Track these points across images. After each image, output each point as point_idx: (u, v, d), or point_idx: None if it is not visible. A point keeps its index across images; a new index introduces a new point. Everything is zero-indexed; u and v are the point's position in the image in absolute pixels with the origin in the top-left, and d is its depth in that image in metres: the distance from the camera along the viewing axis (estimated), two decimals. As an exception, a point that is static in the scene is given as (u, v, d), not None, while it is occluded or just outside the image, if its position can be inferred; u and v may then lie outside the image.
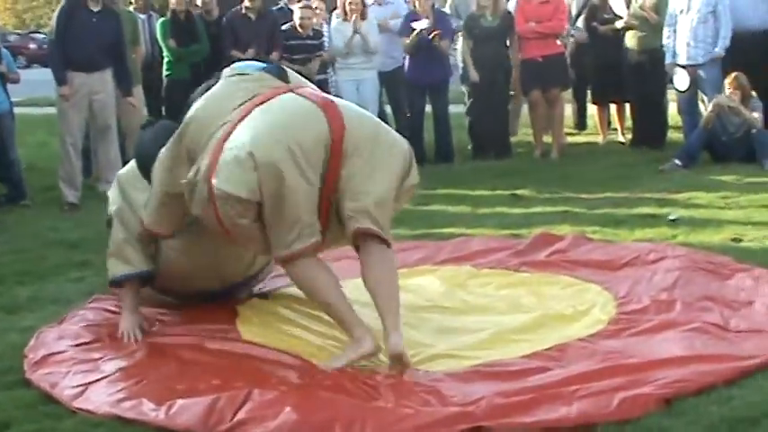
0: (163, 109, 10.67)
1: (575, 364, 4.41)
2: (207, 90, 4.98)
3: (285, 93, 4.78)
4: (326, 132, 4.55)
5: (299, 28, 10.36)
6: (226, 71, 5.02)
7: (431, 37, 10.40)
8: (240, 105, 4.71)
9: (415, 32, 10.43)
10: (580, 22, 11.50)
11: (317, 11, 10.98)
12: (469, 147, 11.23)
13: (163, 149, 4.92)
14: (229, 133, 4.59)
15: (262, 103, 4.69)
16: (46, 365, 4.71)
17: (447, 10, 11.69)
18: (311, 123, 4.57)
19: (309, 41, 10.36)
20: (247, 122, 4.60)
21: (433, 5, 10.90)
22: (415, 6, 10.73)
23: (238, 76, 4.92)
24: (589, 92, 11.86)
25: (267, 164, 4.42)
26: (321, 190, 4.56)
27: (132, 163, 5.46)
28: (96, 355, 4.83)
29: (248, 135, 4.52)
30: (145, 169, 5.14)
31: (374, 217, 4.56)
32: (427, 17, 10.54)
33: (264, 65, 5.09)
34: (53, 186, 9.70)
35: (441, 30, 10.49)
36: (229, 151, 4.51)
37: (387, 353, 4.49)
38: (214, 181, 4.52)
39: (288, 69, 5.12)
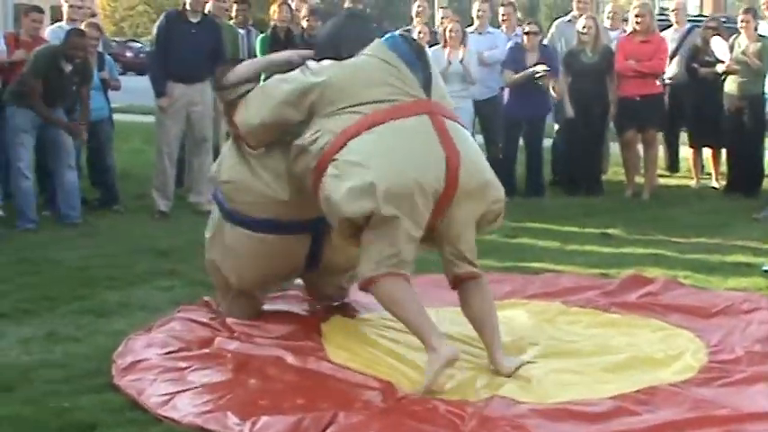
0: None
1: (664, 409, 4.34)
2: (345, 26, 5.19)
3: (422, 114, 4.83)
4: (441, 184, 4.71)
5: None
6: (376, 43, 5.03)
7: (538, 76, 10.36)
8: (376, 103, 4.80)
9: (528, 72, 10.38)
10: (675, 64, 11.34)
11: (421, 35, 11.01)
12: (551, 178, 11.20)
13: (285, 83, 5.04)
14: (357, 133, 4.74)
15: (397, 118, 4.77)
16: (134, 372, 4.78)
17: (545, 42, 11.62)
18: (433, 170, 4.70)
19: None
20: (379, 138, 4.73)
21: (541, 41, 10.84)
22: (523, 41, 10.66)
23: (385, 64, 4.91)
24: (685, 134, 11.70)
25: (385, 199, 4.60)
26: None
27: None
28: (183, 365, 4.87)
29: (376, 159, 4.66)
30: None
31: (470, 259, 4.93)
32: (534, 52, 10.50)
33: (416, 56, 5.03)
34: (145, 194, 9.84)
35: (549, 68, 10.43)
36: (351, 162, 4.69)
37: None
38: (327, 180, 4.75)
39: (433, 74, 5.07)
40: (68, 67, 8.70)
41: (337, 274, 5.74)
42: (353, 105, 4.80)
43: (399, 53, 4.95)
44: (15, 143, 8.72)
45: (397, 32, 5.30)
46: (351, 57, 5.00)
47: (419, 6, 11.72)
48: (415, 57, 5.00)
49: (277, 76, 5.19)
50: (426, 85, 4.93)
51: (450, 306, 5.78)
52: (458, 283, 4.99)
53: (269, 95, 5.09)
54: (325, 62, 5.02)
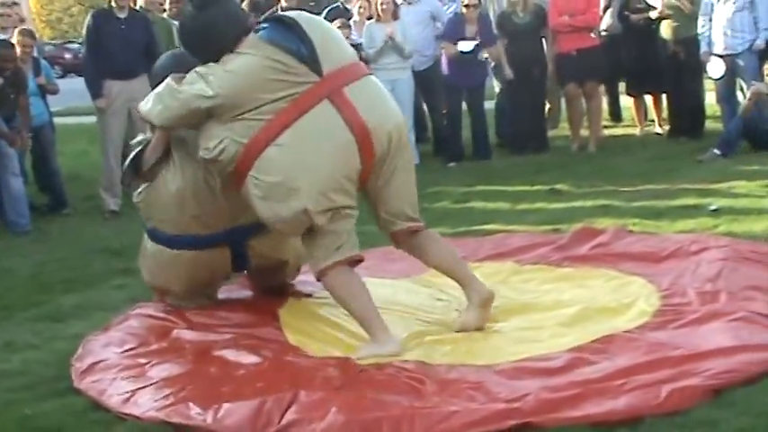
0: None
1: (621, 356, 4.39)
2: (211, 17, 4.94)
3: (321, 98, 4.80)
4: (359, 163, 4.82)
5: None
6: (253, 39, 4.90)
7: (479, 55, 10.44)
8: (275, 102, 4.75)
9: (461, 52, 10.43)
10: (609, 15, 11.40)
11: (361, 10, 11.01)
12: (496, 141, 11.29)
13: (177, 96, 4.93)
14: (266, 143, 4.74)
15: (299, 116, 4.76)
16: (93, 373, 4.76)
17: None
18: (348, 157, 4.79)
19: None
20: (288, 149, 4.73)
21: (480, 12, 10.84)
22: (463, 12, 10.67)
23: (269, 60, 4.79)
24: (624, 83, 11.78)
25: (320, 212, 4.74)
26: None
27: None
28: (143, 361, 4.86)
29: (295, 174, 4.71)
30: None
31: (409, 215, 5.06)
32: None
33: (291, 38, 4.88)
34: (93, 195, 9.78)
35: (485, 41, 10.48)
36: (273, 184, 4.75)
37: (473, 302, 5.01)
38: (255, 200, 4.86)
39: (317, 43, 4.89)
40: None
41: (275, 269, 5.77)
42: (253, 110, 4.75)
43: (278, 44, 4.84)
44: None
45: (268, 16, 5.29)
46: (223, 48, 4.89)
47: None
48: (293, 37, 4.87)
49: (172, 85, 5.02)
50: (314, 61, 4.82)
51: (403, 277, 5.85)
52: (400, 239, 5.14)
53: (167, 106, 5.01)
54: (214, 69, 4.85)
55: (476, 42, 10.43)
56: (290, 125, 4.74)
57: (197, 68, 4.93)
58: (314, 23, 5.02)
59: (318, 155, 4.72)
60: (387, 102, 5.06)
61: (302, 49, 4.84)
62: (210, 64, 4.89)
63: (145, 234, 5.70)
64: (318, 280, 4.95)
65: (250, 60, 4.82)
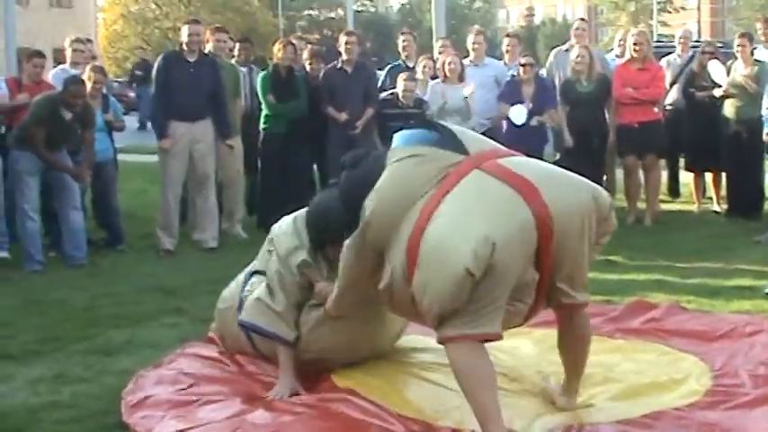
0: (258, 162, 10.80)
1: (670, 434, 4.36)
2: (360, 159, 4.70)
3: (470, 171, 4.33)
4: (531, 218, 4.18)
5: (401, 98, 10.41)
6: (392, 154, 4.53)
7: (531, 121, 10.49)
8: (425, 195, 4.32)
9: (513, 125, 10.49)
10: (675, 90, 11.41)
11: (426, 69, 11.07)
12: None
13: (346, 246, 4.56)
14: (422, 228, 4.21)
15: (449, 191, 4.28)
16: (143, 409, 4.80)
17: (543, 72, 11.70)
18: (514, 211, 4.19)
19: (410, 110, 10.32)
20: (446, 211, 4.21)
21: (537, 73, 10.90)
22: (518, 73, 10.73)
23: (411, 158, 4.44)
24: (683, 159, 11.76)
25: (482, 268, 4.05)
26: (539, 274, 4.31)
27: (287, 223, 5.32)
28: (192, 401, 4.90)
29: (454, 235, 4.12)
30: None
31: (582, 287, 4.52)
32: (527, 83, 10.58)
33: (429, 133, 4.56)
34: (150, 233, 9.90)
35: (544, 104, 10.55)
36: (433, 249, 4.15)
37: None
38: (418, 287, 4.23)
39: (455, 128, 4.67)
40: (68, 115, 8.77)
41: None
42: (407, 213, 4.30)
43: (412, 141, 4.53)
44: (21, 186, 8.80)
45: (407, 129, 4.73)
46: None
47: (441, 47, 11.78)
48: (425, 130, 4.59)
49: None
50: (456, 143, 4.46)
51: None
52: (563, 310, 4.63)
53: (340, 269, 4.68)
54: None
55: (527, 110, 10.44)
56: (442, 199, 4.25)
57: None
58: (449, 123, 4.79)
59: (480, 209, 4.17)
60: (562, 173, 4.55)
61: (439, 136, 4.50)
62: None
63: (234, 295, 5.62)
64: (441, 343, 4.30)
65: (395, 165, 4.46)
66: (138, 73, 25.08)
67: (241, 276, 5.66)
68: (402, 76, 10.52)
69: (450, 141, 4.48)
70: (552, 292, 4.42)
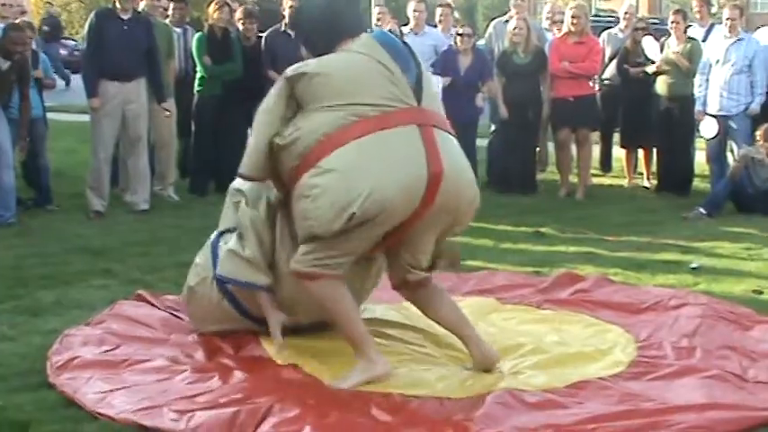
0: (192, 125, 10.70)
1: (593, 403, 4.44)
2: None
3: (412, 124, 4.61)
4: (416, 204, 4.56)
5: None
6: (367, 39, 4.76)
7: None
8: (365, 106, 4.56)
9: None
10: (613, 67, 11.49)
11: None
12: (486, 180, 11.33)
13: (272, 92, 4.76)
14: (342, 144, 4.51)
15: (386, 128, 4.54)
16: (69, 370, 4.77)
17: (482, 42, 11.72)
18: (412, 191, 4.53)
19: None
20: (363, 150, 4.50)
21: (475, 45, 10.92)
22: (456, 44, 10.74)
23: (380, 66, 4.64)
24: (617, 135, 11.87)
25: (358, 220, 4.47)
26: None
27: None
28: (119, 362, 4.88)
29: (357, 172, 4.45)
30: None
31: (425, 266, 4.87)
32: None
33: (409, 60, 4.76)
34: (80, 193, 9.75)
35: (482, 76, 10.62)
36: (332, 171, 4.48)
37: (477, 362, 4.88)
38: (310, 179, 4.55)
39: (427, 78, 4.88)
40: (5, 64, 8.61)
41: None
42: (341, 105, 4.56)
43: (393, 52, 4.71)
44: None
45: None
46: (339, 34, 4.77)
47: (379, 14, 11.76)
48: (408, 56, 4.78)
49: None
50: (417, 89, 4.70)
51: (384, 304, 5.87)
52: (406, 287, 4.97)
53: (262, 112, 4.81)
54: (313, 60, 4.74)
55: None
56: (374, 132, 4.53)
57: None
58: (424, 66, 4.93)
59: (390, 165, 4.49)
60: (467, 166, 4.90)
61: (411, 71, 4.72)
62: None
63: (196, 270, 5.49)
64: (300, 277, 4.71)
65: (359, 57, 4.68)
66: (45, 29, 23.91)
67: (208, 243, 5.49)
68: None
69: (416, 79, 4.71)
70: (394, 260, 4.89)
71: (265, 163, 4.78)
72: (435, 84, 5.10)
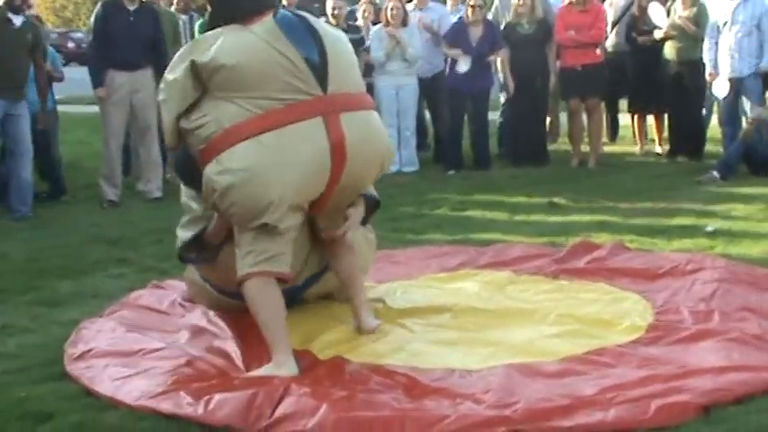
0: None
1: (611, 369, 4.43)
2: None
3: (316, 115, 4.64)
4: (321, 190, 4.73)
5: (331, 20, 10.40)
6: (269, 22, 4.72)
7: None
8: (269, 100, 4.58)
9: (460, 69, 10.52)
10: (614, 35, 11.42)
11: (366, 14, 11.09)
12: (498, 152, 11.33)
13: (180, 65, 4.73)
14: (244, 136, 4.55)
15: (289, 123, 4.59)
16: (85, 359, 4.80)
17: (489, 16, 11.68)
18: (317, 183, 4.68)
19: (349, 35, 10.24)
20: (265, 149, 4.55)
21: (485, 16, 10.90)
22: (468, 16, 10.71)
23: (279, 55, 4.63)
24: (626, 102, 11.82)
25: (278, 216, 4.58)
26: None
27: None
28: (135, 350, 4.90)
29: (262, 171, 4.52)
30: None
31: (338, 223, 5.04)
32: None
33: (312, 47, 4.73)
34: (93, 184, 9.81)
35: (492, 47, 10.60)
36: (237, 170, 4.54)
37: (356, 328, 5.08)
38: (215, 166, 4.61)
39: (331, 55, 4.77)
40: (18, 20, 8.64)
41: None
42: (244, 98, 4.59)
43: (293, 37, 4.69)
44: None
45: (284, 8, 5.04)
46: (249, 13, 4.75)
47: None
48: (309, 39, 4.74)
49: (175, 58, 4.88)
50: (323, 74, 4.69)
51: (402, 279, 5.90)
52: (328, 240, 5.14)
53: (172, 85, 4.77)
54: (219, 39, 4.69)
55: (468, 63, 10.47)
56: (277, 128, 4.57)
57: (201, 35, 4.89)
58: (333, 39, 4.89)
59: (293, 168, 4.56)
60: (378, 139, 4.93)
61: (315, 56, 4.70)
62: (219, 30, 4.76)
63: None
64: (239, 284, 4.74)
65: (262, 47, 4.65)
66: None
67: None
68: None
69: (320, 67, 4.70)
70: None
71: (177, 134, 4.83)
72: (350, 55, 5.03)
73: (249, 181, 4.53)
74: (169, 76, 4.79)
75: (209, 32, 4.83)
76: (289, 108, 4.60)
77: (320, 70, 4.70)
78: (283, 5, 5.09)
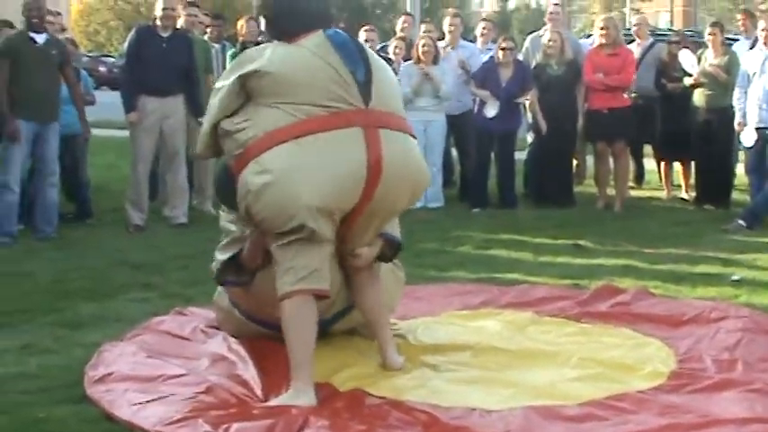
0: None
1: (632, 416, 4.40)
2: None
3: (356, 126, 4.69)
4: (354, 203, 4.71)
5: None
6: (319, 37, 4.81)
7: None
8: (312, 106, 4.65)
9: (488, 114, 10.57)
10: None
11: (397, 50, 11.16)
12: (523, 192, 11.33)
13: (229, 76, 4.83)
14: (284, 140, 4.61)
15: (329, 129, 4.64)
16: (105, 383, 4.80)
17: (520, 57, 11.72)
18: (351, 194, 4.68)
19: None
20: (304, 151, 4.59)
21: (516, 57, 10.94)
22: (499, 57, 10.76)
23: (327, 66, 4.72)
24: (653, 148, 11.80)
25: (312, 217, 4.59)
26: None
27: None
28: (155, 375, 4.90)
29: (298, 174, 4.56)
30: None
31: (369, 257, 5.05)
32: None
33: (359, 63, 4.81)
34: (119, 208, 9.85)
35: (523, 87, 10.64)
36: (275, 170, 4.58)
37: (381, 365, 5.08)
38: (248, 178, 4.66)
39: (376, 76, 4.86)
40: (41, 38, 8.75)
41: None
42: (288, 103, 4.65)
43: (342, 52, 4.78)
44: (5, 157, 8.71)
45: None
46: (302, 29, 4.82)
47: (404, 23, 11.91)
48: (357, 56, 4.83)
49: (227, 69, 5.05)
50: (366, 90, 4.77)
51: (424, 316, 5.90)
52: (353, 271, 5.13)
53: (219, 92, 4.87)
54: (267, 50, 4.81)
55: (496, 108, 10.52)
56: (317, 132, 4.63)
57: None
58: (380, 64, 4.99)
59: (328, 171, 4.59)
60: (414, 163, 4.93)
61: (361, 73, 4.78)
62: (269, 44, 4.88)
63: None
64: (279, 300, 4.72)
65: (310, 56, 4.74)
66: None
67: None
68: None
69: (365, 82, 4.77)
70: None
71: (210, 143, 4.92)
72: (395, 84, 5.16)
73: (284, 180, 4.56)
74: (218, 84, 4.91)
75: (260, 46, 4.94)
76: (330, 115, 4.67)
77: (365, 86, 4.77)
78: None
